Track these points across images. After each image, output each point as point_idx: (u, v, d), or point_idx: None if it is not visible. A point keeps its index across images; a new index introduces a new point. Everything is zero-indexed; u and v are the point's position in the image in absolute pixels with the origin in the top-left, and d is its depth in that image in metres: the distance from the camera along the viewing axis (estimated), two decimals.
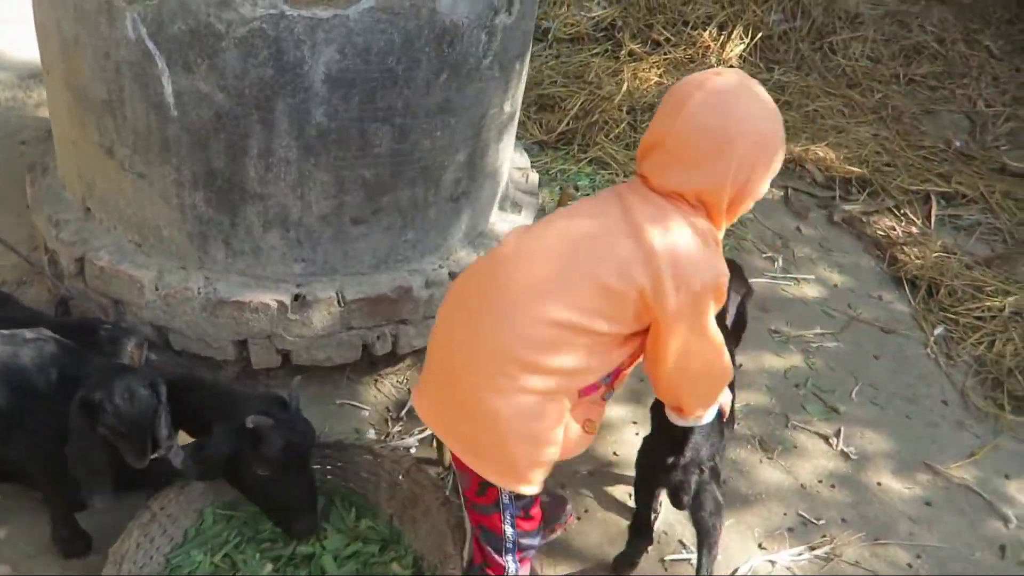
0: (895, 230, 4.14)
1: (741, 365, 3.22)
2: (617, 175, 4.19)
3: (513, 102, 2.81)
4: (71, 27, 2.39)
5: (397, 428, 2.77)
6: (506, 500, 1.90)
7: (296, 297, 2.58)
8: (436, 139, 2.55)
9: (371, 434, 2.74)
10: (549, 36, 5.04)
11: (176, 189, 2.48)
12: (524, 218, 3.10)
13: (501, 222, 3.05)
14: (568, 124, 4.38)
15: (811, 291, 3.75)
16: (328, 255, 2.62)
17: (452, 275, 2.78)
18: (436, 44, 2.38)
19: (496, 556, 1.96)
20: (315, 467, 2.39)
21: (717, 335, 1.83)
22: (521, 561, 1.99)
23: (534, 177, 3.36)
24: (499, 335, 1.74)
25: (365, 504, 2.40)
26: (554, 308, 1.71)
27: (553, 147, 4.33)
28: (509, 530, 1.93)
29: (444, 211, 2.74)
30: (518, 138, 3.37)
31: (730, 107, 1.71)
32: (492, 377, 1.74)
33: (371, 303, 2.66)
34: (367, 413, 2.81)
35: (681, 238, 1.74)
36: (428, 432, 2.67)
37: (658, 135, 1.77)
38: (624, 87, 4.59)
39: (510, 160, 3.11)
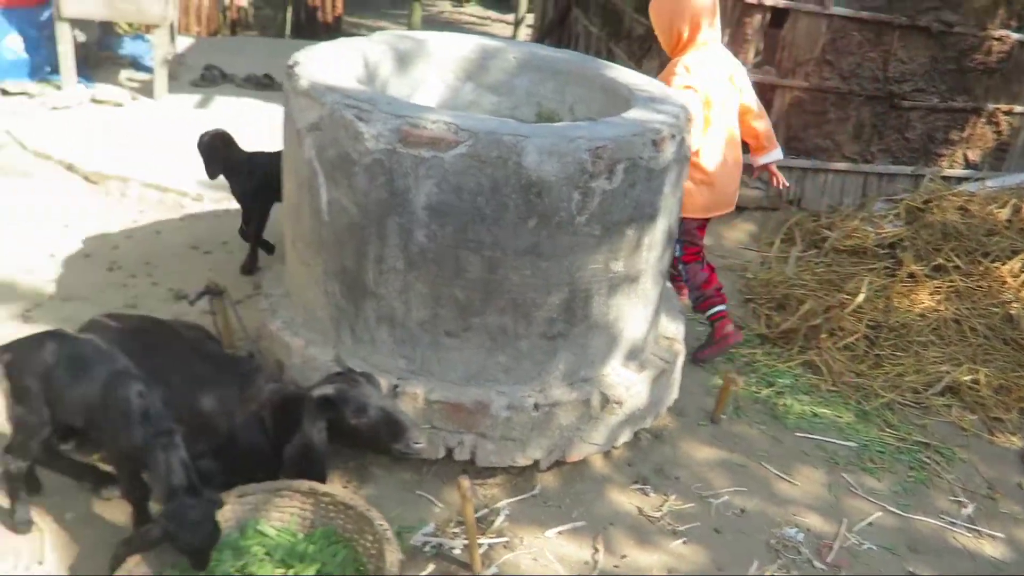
0: None
1: None
2: (824, 381, 4.06)
3: (629, 265, 3.05)
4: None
5: (455, 529, 3.03)
6: None
7: (394, 387, 3.04)
8: (525, 276, 2.90)
9: (430, 527, 3.03)
10: (826, 244, 5.04)
11: (324, 278, 3.12)
12: (643, 378, 3.25)
13: (615, 375, 3.23)
14: (793, 323, 4.34)
15: (991, 549, 3.25)
16: (426, 358, 3.05)
17: (537, 406, 3.03)
18: (523, 193, 2.77)
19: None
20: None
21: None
22: None
23: (678, 348, 3.48)
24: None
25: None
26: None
27: (772, 342, 4.32)
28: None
29: (537, 346, 3.03)
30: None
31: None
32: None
33: (450, 408, 3.01)
34: (439, 510, 3.11)
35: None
36: (466, 541, 2.88)
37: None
38: (861, 297, 4.44)
39: (645, 323, 3.29)
